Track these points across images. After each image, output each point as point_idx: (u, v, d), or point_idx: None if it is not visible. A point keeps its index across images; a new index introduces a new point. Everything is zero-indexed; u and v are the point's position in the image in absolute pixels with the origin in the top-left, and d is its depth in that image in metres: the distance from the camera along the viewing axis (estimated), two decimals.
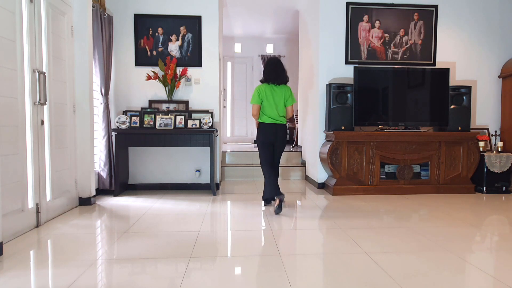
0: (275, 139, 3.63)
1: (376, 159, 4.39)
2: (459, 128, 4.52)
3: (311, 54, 5.35)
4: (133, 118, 4.25)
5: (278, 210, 3.42)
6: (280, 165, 5.69)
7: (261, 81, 3.65)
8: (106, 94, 4.15)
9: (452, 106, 4.56)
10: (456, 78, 4.94)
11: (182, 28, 4.62)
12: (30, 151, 2.87)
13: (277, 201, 3.43)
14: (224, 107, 8.65)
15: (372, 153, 4.38)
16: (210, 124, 4.31)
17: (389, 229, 2.95)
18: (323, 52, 4.77)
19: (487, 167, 4.47)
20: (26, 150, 2.83)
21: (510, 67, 4.84)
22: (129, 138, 4.25)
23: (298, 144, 6.81)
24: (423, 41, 4.85)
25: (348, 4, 4.72)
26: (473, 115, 4.98)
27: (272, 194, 3.55)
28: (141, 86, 4.62)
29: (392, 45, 4.81)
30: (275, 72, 3.55)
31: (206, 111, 4.53)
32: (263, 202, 3.89)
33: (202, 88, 4.68)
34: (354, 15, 4.74)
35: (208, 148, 4.53)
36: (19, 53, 2.72)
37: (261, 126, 3.63)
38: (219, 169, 4.89)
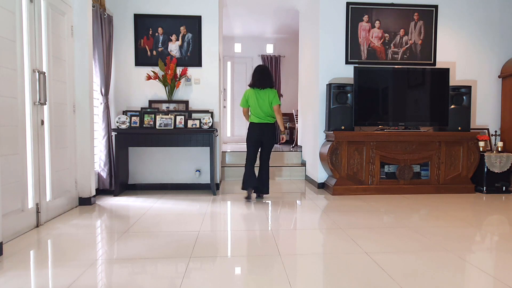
0: (261, 137, 3.97)
1: (376, 159, 4.39)
2: (459, 128, 4.52)
3: (311, 54, 5.35)
4: (133, 118, 4.25)
5: (249, 198, 4.03)
6: (280, 165, 5.72)
7: (249, 86, 4.06)
8: (106, 94, 4.15)
9: (452, 106, 4.56)
10: (456, 78, 4.94)
11: (182, 28, 4.62)
12: (30, 151, 2.87)
13: (253, 193, 4.04)
14: (224, 107, 8.65)
15: (372, 153, 4.38)
16: (210, 124, 4.31)
17: (389, 229, 2.95)
18: (323, 52, 4.77)
19: (487, 167, 4.47)
20: (26, 150, 2.83)
21: (510, 67, 4.84)
22: (129, 138, 4.25)
23: (298, 144, 6.81)
24: (423, 41, 4.85)
25: (348, 4, 4.72)
26: (473, 115, 4.98)
27: (251, 185, 4.02)
28: (141, 86, 4.62)
29: (392, 45, 4.81)
30: (258, 78, 3.97)
31: (206, 111, 4.53)
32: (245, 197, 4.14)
33: (202, 88, 4.68)
34: (354, 15, 4.74)
35: (208, 148, 4.52)
36: (19, 53, 2.71)
37: (249, 125, 4.04)
38: (219, 169, 4.89)
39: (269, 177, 4.10)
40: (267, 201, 3.98)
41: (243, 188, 4.04)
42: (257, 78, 3.96)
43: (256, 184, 4.02)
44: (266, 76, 3.98)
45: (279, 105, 3.94)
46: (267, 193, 4.06)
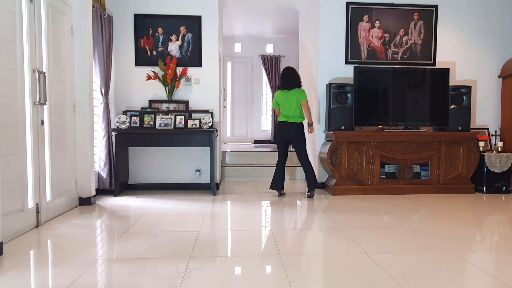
0: (287, 136, 4.14)
1: (376, 159, 4.39)
2: (459, 128, 4.52)
3: (311, 54, 5.35)
4: (133, 118, 4.25)
5: (310, 195, 4.18)
6: None
7: (278, 88, 4.27)
8: (106, 94, 4.15)
9: (452, 106, 4.56)
10: (456, 78, 4.94)
11: (182, 28, 4.62)
12: (30, 151, 2.87)
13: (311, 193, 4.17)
14: (224, 107, 8.64)
15: (372, 153, 4.38)
16: (210, 124, 4.31)
17: (389, 229, 2.95)
18: (323, 52, 4.77)
19: (487, 167, 4.47)
20: (26, 150, 2.83)
21: (510, 67, 4.84)
22: (129, 138, 4.25)
23: None
24: (423, 41, 4.85)
25: (348, 4, 4.72)
26: (473, 115, 4.98)
27: (277, 187, 4.18)
28: (141, 86, 4.62)
29: (392, 45, 4.81)
30: (284, 80, 4.15)
31: (206, 111, 4.53)
32: (277, 192, 4.28)
33: (202, 88, 4.68)
34: (354, 15, 4.74)
35: (208, 148, 4.52)
36: (19, 53, 2.71)
37: (277, 124, 4.28)
38: (219, 169, 4.89)
39: (314, 172, 4.17)
40: (267, 201, 3.98)
41: (271, 187, 4.26)
42: (284, 80, 4.15)
43: (283, 186, 4.23)
44: (290, 77, 4.14)
45: (307, 101, 4.09)
46: (317, 186, 4.26)
